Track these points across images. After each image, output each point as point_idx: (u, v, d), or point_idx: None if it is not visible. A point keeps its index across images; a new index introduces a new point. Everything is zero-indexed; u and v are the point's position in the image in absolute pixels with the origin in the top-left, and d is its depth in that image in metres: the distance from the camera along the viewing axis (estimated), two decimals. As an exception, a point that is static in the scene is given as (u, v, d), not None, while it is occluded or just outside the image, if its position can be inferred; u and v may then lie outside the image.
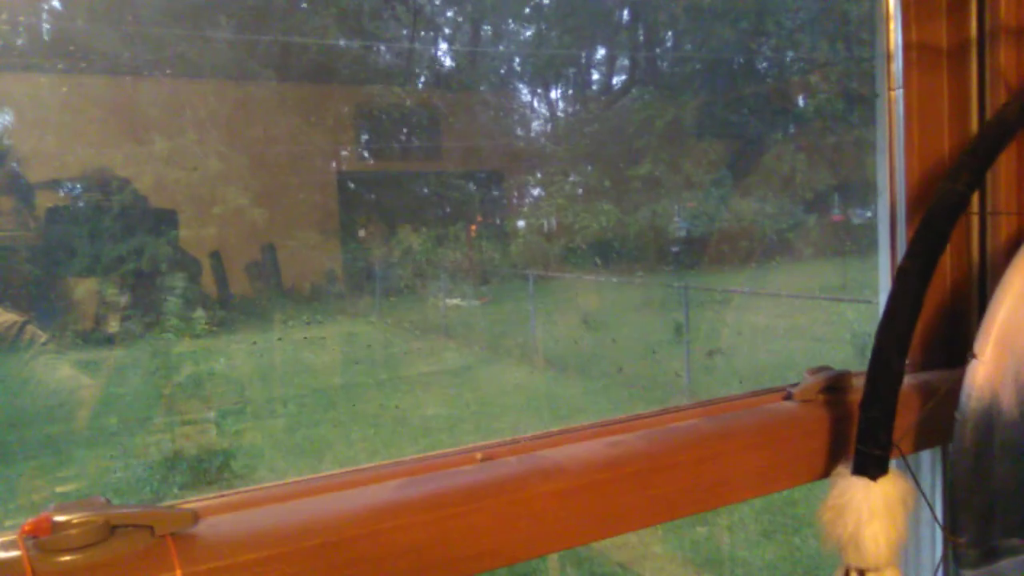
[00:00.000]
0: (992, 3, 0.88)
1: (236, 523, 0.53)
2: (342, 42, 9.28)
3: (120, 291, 7.32)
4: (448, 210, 10.50)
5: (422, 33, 10.88)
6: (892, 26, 0.91)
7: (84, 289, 7.40)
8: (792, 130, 11.50)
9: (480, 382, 6.77)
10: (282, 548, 0.52)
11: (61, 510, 0.50)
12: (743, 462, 0.72)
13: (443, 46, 11.48)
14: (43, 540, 0.48)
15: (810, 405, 0.78)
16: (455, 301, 9.36)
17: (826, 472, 0.74)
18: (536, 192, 11.53)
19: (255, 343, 7.46)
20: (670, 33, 12.69)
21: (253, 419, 5.86)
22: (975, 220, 0.89)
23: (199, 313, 6.58)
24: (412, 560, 0.57)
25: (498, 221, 11.17)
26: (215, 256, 8.24)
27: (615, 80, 13.09)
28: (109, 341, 6.32)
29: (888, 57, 0.92)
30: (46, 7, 7.85)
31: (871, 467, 0.68)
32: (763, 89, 11.68)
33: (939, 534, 0.82)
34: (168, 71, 8.14)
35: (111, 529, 0.50)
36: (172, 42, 8.26)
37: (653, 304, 8.76)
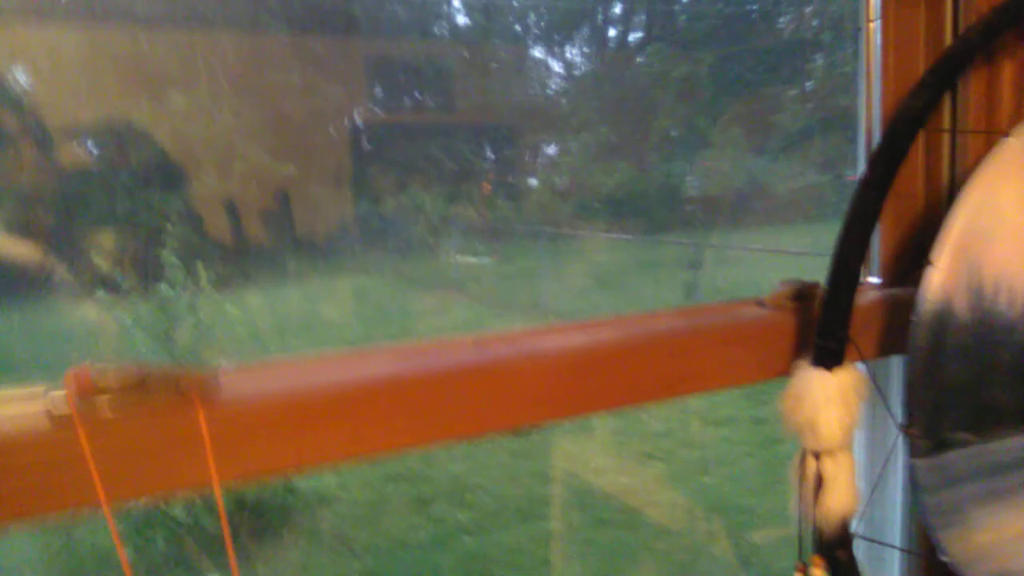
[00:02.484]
0: (967, -65, 0.92)
1: (254, 382, 0.61)
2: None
3: (132, 243, 7.41)
4: (461, 167, 10.51)
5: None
6: (872, -42, 0.96)
7: (96, 241, 7.49)
8: (808, 87, 11.38)
9: (491, 337, 6.86)
10: (292, 401, 0.60)
11: (99, 369, 0.57)
12: (713, 355, 0.79)
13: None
14: (87, 397, 0.56)
15: (779, 310, 0.84)
16: (467, 258, 9.42)
17: (790, 369, 0.81)
18: (550, 149, 11.52)
19: (267, 296, 7.55)
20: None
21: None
22: (946, 139, 0.94)
23: (210, 266, 6.64)
24: (409, 423, 0.64)
25: (511, 178, 11.18)
26: (228, 208, 8.32)
27: (631, 36, 12.98)
28: (122, 292, 6.40)
29: (867, -12, 0.96)
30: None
31: (828, 359, 0.75)
32: (779, 44, 11.53)
33: (892, 427, 0.89)
34: (180, 22, 8.14)
35: (144, 384, 0.57)
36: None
37: (667, 263, 8.80)
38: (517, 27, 12.24)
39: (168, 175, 7.53)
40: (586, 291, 8.31)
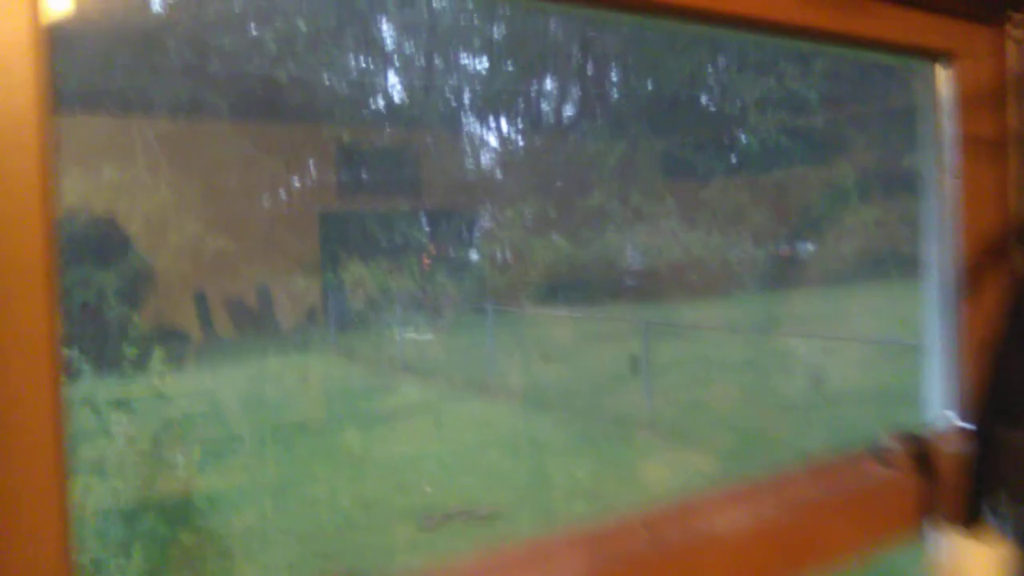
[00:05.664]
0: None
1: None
2: (293, 69, 9.26)
3: (65, 323, 7.08)
4: (400, 243, 10.49)
5: (375, 65, 10.95)
6: (944, 119, 1.03)
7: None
8: (736, 164, 11.81)
9: (442, 417, 6.77)
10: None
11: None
12: (850, 527, 0.81)
13: (395, 78, 11.56)
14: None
15: (898, 469, 0.87)
16: (411, 334, 9.35)
17: (919, 530, 0.83)
18: (489, 225, 11.62)
19: (210, 378, 7.33)
20: (616, 66, 12.94)
21: (213, 459, 5.74)
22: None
23: (148, 346, 6.40)
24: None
25: (452, 254, 11.21)
26: (166, 287, 8.09)
27: (566, 114, 13.32)
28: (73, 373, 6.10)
29: (940, 147, 1.03)
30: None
31: (977, 527, 0.77)
32: (710, 125, 11.97)
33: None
34: (119, 102, 8.01)
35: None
36: (122, 71, 8.12)
37: (610, 337, 8.89)
38: (454, 103, 12.42)
39: (108, 252, 7.30)
40: (531, 366, 8.31)
